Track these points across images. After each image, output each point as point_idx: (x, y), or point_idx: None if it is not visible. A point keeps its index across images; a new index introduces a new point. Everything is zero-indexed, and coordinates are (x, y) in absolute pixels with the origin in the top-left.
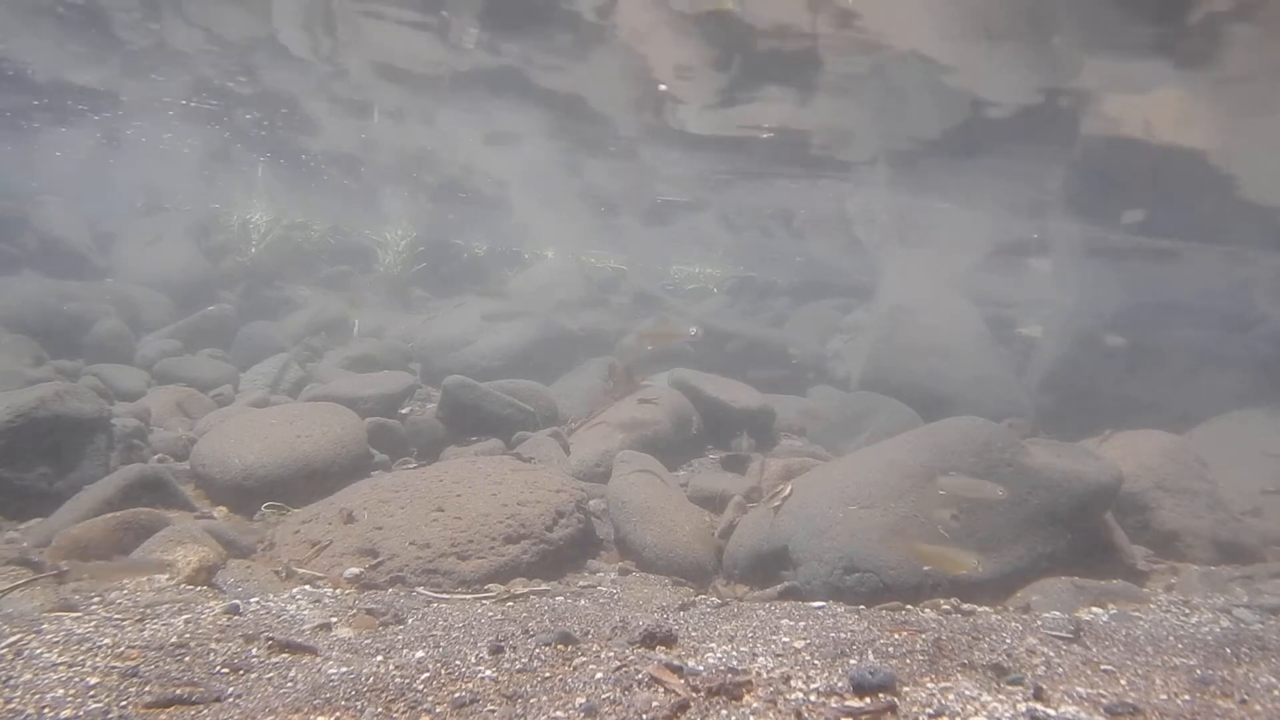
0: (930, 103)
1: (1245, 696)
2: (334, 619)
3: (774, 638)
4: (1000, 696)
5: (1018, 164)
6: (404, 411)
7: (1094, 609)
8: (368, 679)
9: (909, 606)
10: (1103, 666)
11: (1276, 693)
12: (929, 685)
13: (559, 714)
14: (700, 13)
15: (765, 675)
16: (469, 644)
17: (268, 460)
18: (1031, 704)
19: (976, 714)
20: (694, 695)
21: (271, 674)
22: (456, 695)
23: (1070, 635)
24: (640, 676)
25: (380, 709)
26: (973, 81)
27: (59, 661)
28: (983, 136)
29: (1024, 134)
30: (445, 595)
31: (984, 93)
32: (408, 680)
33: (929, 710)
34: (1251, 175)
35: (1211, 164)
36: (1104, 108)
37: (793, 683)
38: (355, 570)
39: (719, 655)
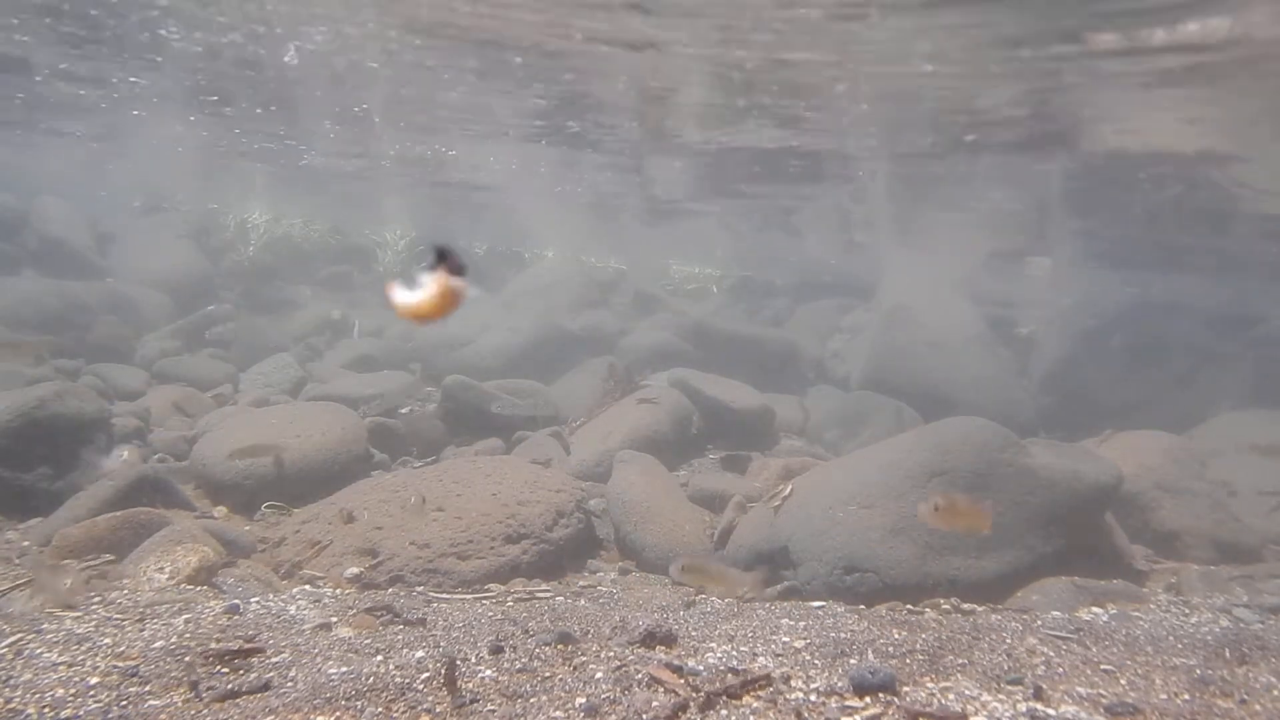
0: (931, 120)
1: (1245, 696)
2: (334, 619)
3: (774, 637)
4: (1000, 696)
5: (1018, 172)
6: (404, 411)
7: (1094, 609)
8: (368, 679)
9: (909, 606)
10: (1103, 666)
11: (1276, 693)
12: (929, 685)
13: (559, 714)
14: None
15: (765, 675)
16: (469, 644)
17: (268, 460)
18: (1031, 704)
19: (976, 714)
20: (694, 695)
21: (271, 674)
22: (457, 695)
23: (1070, 635)
24: (640, 676)
25: (380, 709)
26: (973, 98)
27: (59, 661)
28: (983, 146)
29: (1024, 144)
30: (445, 595)
31: (984, 105)
32: (408, 680)
33: (929, 710)
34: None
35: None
36: (1103, 120)
37: (793, 682)
38: (355, 570)
39: (719, 655)
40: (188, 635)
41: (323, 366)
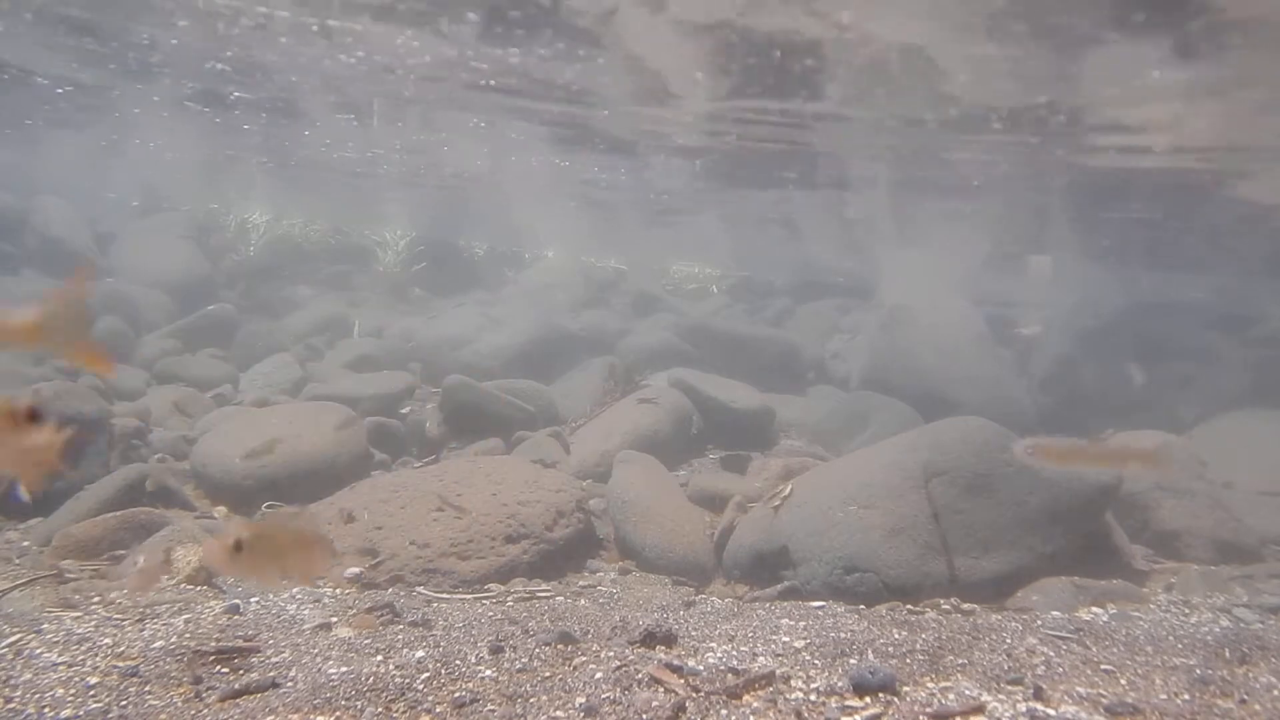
0: (929, 112)
1: (1245, 696)
2: (334, 619)
3: (774, 637)
4: (1000, 696)
5: (1017, 173)
6: (404, 411)
7: (1094, 609)
8: (368, 679)
9: (909, 606)
10: (1103, 666)
11: (1276, 693)
12: (929, 685)
13: (559, 714)
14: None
15: (765, 675)
16: (469, 644)
17: (268, 460)
18: (1031, 704)
19: (977, 713)
20: (694, 695)
21: (271, 673)
22: (457, 695)
23: (1070, 635)
24: (640, 676)
25: (380, 709)
26: (972, 91)
27: (59, 661)
28: (982, 145)
29: (1023, 143)
30: (445, 595)
31: (983, 100)
32: (408, 680)
33: (929, 710)
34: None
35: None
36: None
37: (793, 682)
38: (355, 570)
39: (719, 655)
40: (188, 635)
41: (323, 366)
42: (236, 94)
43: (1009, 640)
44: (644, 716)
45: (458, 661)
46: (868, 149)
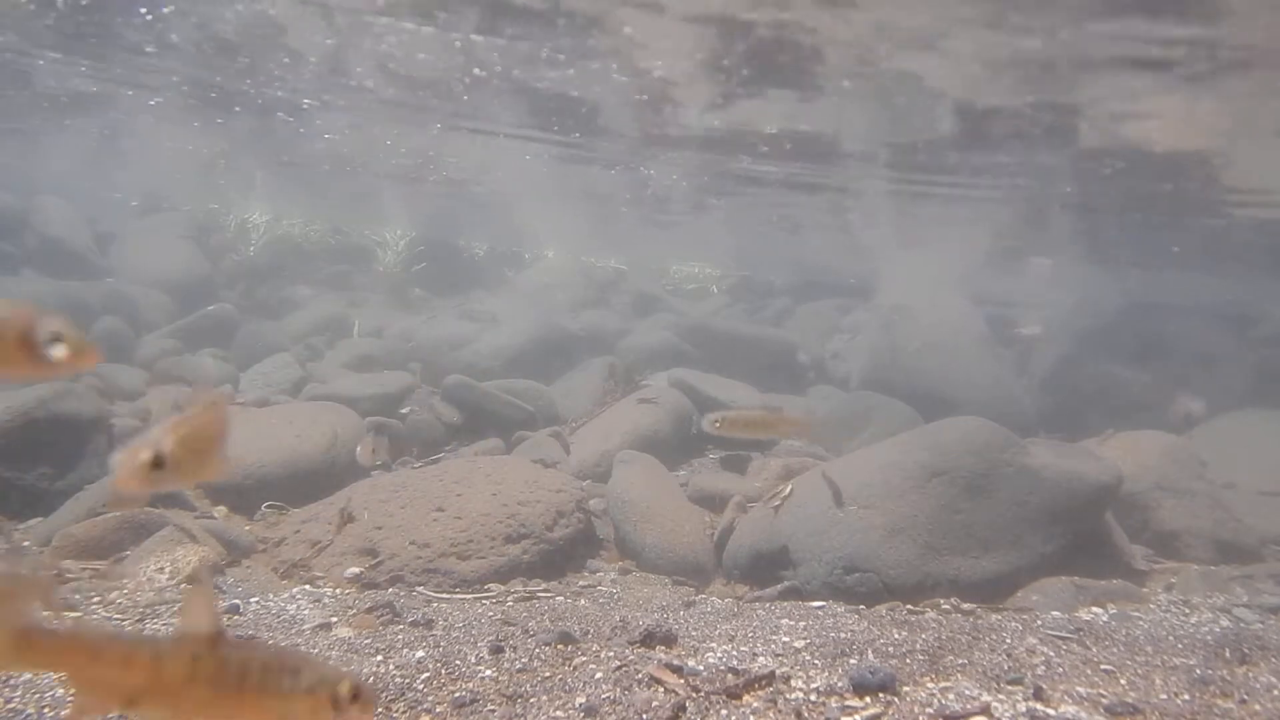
0: (929, 105)
1: (1245, 696)
2: (334, 619)
3: (774, 637)
4: (1000, 696)
5: (1017, 169)
6: (404, 411)
7: (1094, 609)
8: (367, 679)
9: (909, 606)
10: (1103, 666)
11: (1276, 693)
12: (929, 685)
13: (559, 714)
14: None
15: (765, 674)
16: (469, 644)
17: (268, 460)
18: (1031, 704)
19: (977, 713)
20: (694, 695)
21: None
22: (457, 695)
23: (1070, 635)
24: (640, 676)
25: (380, 709)
26: (973, 84)
27: None
28: (982, 141)
29: (1023, 139)
30: (445, 595)
31: (983, 96)
32: (408, 680)
33: (929, 710)
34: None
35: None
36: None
37: (793, 682)
38: (355, 570)
39: (719, 655)
40: None
41: (323, 366)
42: (238, 94)
43: (1009, 640)
44: (644, 716)
45: (458, 661)
46: (868, 150)
